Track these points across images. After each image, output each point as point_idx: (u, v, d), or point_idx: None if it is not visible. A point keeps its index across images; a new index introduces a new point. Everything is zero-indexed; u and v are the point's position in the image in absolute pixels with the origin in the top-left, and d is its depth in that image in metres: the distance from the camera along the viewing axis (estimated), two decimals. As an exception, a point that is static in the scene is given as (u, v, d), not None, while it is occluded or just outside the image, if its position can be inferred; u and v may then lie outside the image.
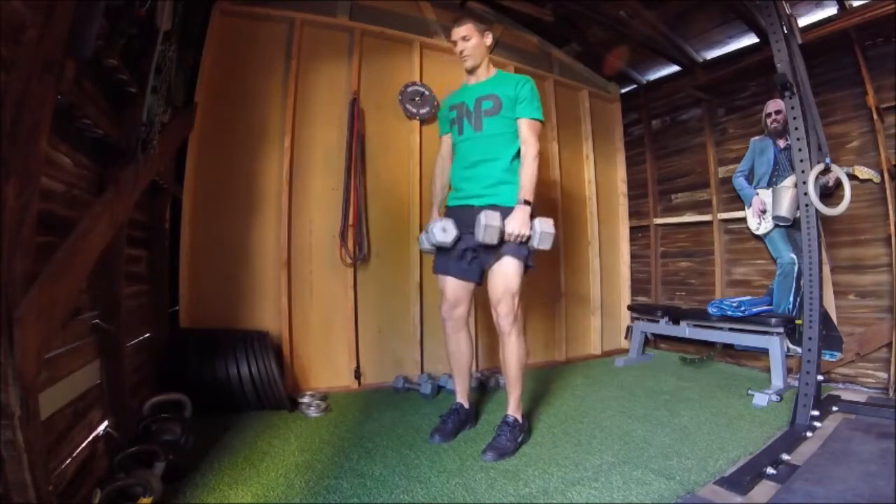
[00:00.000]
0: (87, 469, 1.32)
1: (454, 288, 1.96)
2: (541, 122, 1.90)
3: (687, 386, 2.69)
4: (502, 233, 1.77)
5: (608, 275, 3.84)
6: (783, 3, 2.02)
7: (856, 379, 2.66)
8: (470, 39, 1.91)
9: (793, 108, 2.03)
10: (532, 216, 1.82)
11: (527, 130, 1.87)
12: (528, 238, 1.80)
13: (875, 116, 2.59)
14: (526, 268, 1.86)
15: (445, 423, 1.96)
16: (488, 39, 1.96)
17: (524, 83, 1.91)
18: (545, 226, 1.80)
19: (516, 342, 1.86)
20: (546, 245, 1.81)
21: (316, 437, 1.91)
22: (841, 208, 2.07)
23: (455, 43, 1.95)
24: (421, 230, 2.17)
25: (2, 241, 0.83)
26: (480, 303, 3.03)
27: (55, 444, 1.14)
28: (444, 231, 1.88)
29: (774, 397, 2.34)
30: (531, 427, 2.02)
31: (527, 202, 1.80)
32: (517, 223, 1.76)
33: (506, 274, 1.82)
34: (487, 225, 1.74)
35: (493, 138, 1.89)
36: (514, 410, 1.87)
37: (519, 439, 1.82)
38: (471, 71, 1.99)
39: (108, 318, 1.51)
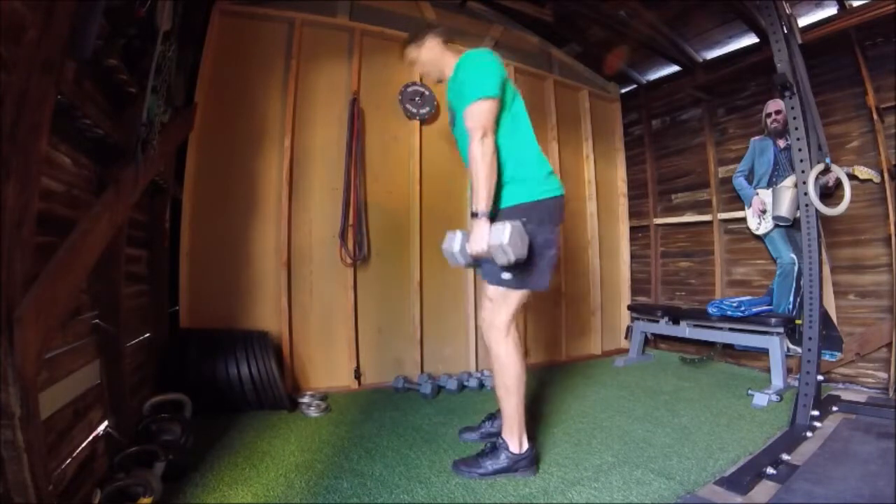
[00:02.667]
0: (87, 469, 1.32)
1: None
2: (484, 98, 1.51)
3: (687, 386, 2.69)
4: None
5: (608, 275, 3.83)
6: (783, 3, 2.02)
7: (856, 379, 2.66)
8: (417, 60, 1.80)
9: (793, 108, 2.03)
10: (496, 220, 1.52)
11: (468, 119, 1.53)
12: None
13: (875, 116, 2.59)
14: (519, 284, 1.56)
15: (482, 424, 1.93)
16: (428, 46, 1.77)
17: (458, 67, 1.63)
18: (496, 236, 1.44)
19: (504, 358, 1.58)
20: (506, 258, 1.43)
21: (316, 437, 1.91)
22: (841, 208, 2.07)
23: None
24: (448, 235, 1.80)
25: (2, 241, 0.83)
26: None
27: (55, 444, 1.14)
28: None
29: (774, 397, 2.34)
30: (538, 455, 1.69)
31: (474, 214, 1.51)
32: (471, 242, 1.53)
33: (488, 301, 1.62)
34: (447, 252, 1.63)
35: (465, 150, 1.62)
36: (507, 434, 1.60)
37: (497, 467, 1.56)
38: (443, 80, 1.82)
39: (108, 318, 1.51)
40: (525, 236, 1.47)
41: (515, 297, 1.59)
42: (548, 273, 1.61)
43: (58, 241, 1.11)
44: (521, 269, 1.53)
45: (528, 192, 1.58)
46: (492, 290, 1.61)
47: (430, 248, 2.94)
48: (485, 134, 1.50)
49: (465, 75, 1.58)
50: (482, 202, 1.49)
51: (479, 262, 1.65)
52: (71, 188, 1.28)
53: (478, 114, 1.51)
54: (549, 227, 1.59)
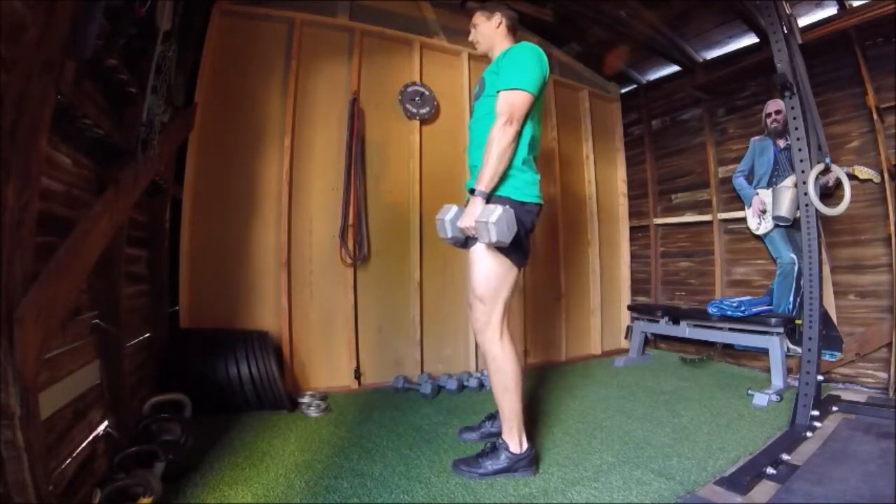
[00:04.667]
0: (87, 469, 1.32)
1: None
2: (523, 91, 1.53)
3: (687, 386, 2.69)
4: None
5: (608, 275, 3.83)
6: (783, 3, 2.02)
7: (856, 379, 2.66)
8: (477, 26, 1.83)
9: (793, 108, 2.03)
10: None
11: (500, 103, 1.55)
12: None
13: (875, 116, 2.59)
14: (510, 256, 1.57)
15: (482, 424, 1.94)
16: (495, 21, 1.79)
17: (507, 51, 1.65)
18: (485, 213, 1.46)
19: (501, 359, 1.59)
20: (488, 236, 1.45)
21: (316, 437, 1.91)
22: (841, 208, 2.07)
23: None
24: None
25: (2, 241, 0.83)
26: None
27: (55, 444, 1.14)
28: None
29: (774, 397, 2.34)
30: (538, 455, 1.69)
31: (472, 190, 1.53)
32: (464, 216, 1.54)
33: (479, 302, 1.60)
34: (438, 221, 1.66)
35: (479, 121, 1.67)
36: (507, 435, 1.61)
37: (497, 467, 1.57)
38: (486, 55, 1.85)
39: (108, 318, 1.51)
40: (514, 224, 1.49)
41: (504, 291, 1.61)
42: (523, 259, 1.64)
43: (58, 241, 1.11)
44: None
45: (519, 192, 1.59)
46: (481, 290, 1.59)
47: (430, 247, 2.94)
48: (510, 122, 1.51)
49: (513, 61, 1.58)
50: (484, 182, 1.51)
51: (460, 243, 1.70)
52: (71, 188, 1.28)
53: (511, 101, 1.53)
54: (525, 228, 1.60)
